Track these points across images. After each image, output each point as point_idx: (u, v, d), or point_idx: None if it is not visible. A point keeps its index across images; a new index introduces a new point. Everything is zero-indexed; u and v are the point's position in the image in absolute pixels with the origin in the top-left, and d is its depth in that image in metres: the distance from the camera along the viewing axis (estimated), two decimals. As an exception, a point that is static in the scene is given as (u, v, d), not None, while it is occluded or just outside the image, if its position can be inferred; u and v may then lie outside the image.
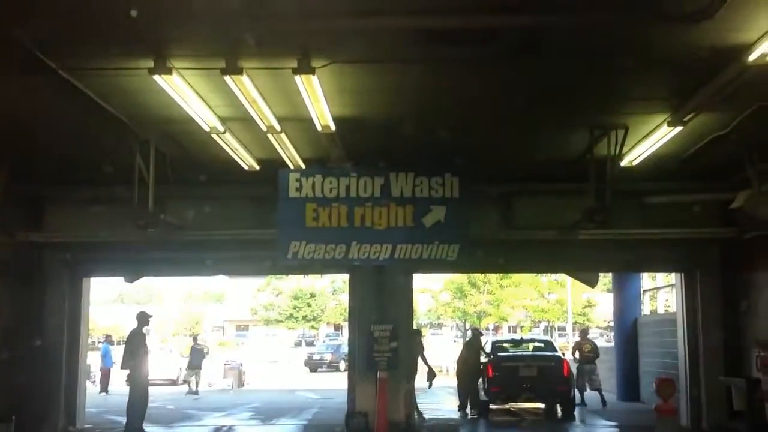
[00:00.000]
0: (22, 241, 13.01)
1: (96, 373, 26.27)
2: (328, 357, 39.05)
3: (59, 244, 13.90)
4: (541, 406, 17.46)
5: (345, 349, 25.03)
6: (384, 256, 11.87)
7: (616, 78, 8.69)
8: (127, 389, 14.28)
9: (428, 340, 37.29)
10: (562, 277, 39.93)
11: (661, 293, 21.04)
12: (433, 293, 45.78)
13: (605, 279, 29.31)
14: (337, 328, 60.62)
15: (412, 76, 8.50)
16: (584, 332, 21.69)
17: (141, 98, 8.96)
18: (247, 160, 11.43)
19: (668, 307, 19.79)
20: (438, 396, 20.00)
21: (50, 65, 7.72)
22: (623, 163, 11.26)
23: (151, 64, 7.67)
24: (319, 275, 29.91)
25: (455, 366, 18.07)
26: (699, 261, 14.41)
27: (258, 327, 62.51)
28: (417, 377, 15.93)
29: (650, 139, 10.56)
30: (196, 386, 24.86)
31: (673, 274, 16.16)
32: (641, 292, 21.13)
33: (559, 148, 11.36)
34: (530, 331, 50.80)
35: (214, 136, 10.00)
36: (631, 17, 6.83)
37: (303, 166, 11.78)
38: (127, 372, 14.37)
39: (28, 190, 13.20)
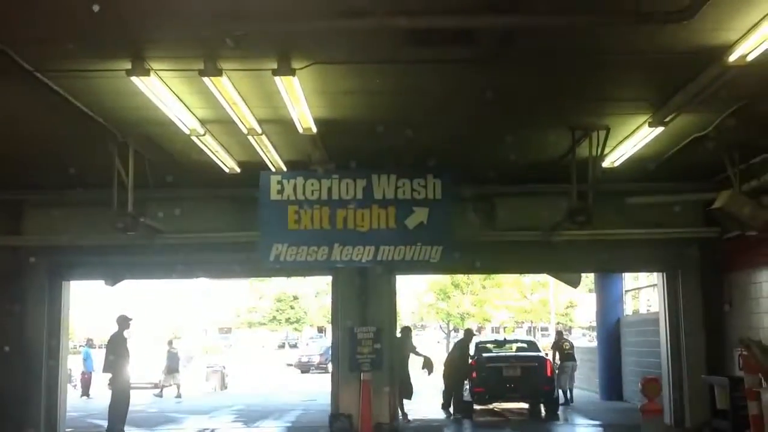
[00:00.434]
0: (0, 245, 12.84)
1: (77, 377, 26.08)
2: (316, 359, 39.12)
3: (39, 248, 13.76)
4: (525, 406, 17.48)
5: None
6: (367, 258, 11.83)
7: (596, 79, 8.70)
8: (108, 393, 14.17)
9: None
10: (544, 277, 40.03)
11: (644, 293, 21.12)
12: (416, 295, 45.77)
13: (587, 279, 29.39)
14: (321, 330, 60.50)
15: (392, 77, 8.47)
16: (560, 333, 22.06)
17: (119, 100, 8.86)
18: (228, 163, 11.36)
19: (650, 306, 19.87)
20: (422, 396, 19.95)
21: (25, 67, 7.62)
22: (605, 164, 11.28)
23: (128, 65, 7.59)
24: (303, 278, 29.80)
25: (442, 367, 18.02)
26: (680, 261, 14.46)
27: (241, 330, 62.25)
28: (414, 373, 16.00)
29: (631, 140, 10.59)
30: (178, 389, 24.74)
31: (655, 274, 16.21)
32: (623, 292, 21.22)
33: (541, 149, 11.37)
34: (513, 331, 50.90)
35: (194, 138, 9.92)
36: (611, 18, 6.82)
37: (284, 169, 11.72)
38: (108, 375, 14.26)
39: (6, 195, 13.07)
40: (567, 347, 19.88)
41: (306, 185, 11.63)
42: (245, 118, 9.08)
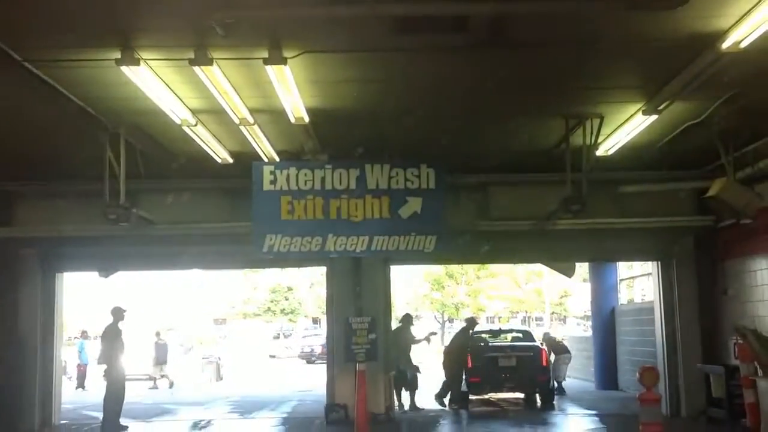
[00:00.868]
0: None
1: (72, 369, 26.05)
2: (318, 349, 39.18)
3: (31, 239, 13.70)
4: (521, 395, 17.49)
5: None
6: (361, 248, 11.78)
7: (589, 67, 8.64)
8: (103, 385, 14.15)
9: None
10: (538, 267, 40.07)
11: (638, 282, 21.14)
12: (411, 285, 45.80)
13: (581, 269, 29.41)
14: (315, 321, 60.49)
15: (384, 65, 8.41)
16: (546, 334, 22.26)
17: (109, 90, 8.79)
18: (220, 153, 11.30)
19: (644, 296, 19.89)
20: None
21: (14, 57, 7.55)
22: (599, 153, 11.25)
23: (118, 55, 7.52)
24: (297, 268, 29.82)
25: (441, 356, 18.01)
26: (675, 250, 14.47)
27: (236, 320, 62.20)
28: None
29: (625, 128, 10.56)
30: (169, 380, 24.80)
31: (650, 263, 16.21)
32: (618, 281, 21.23)
33: (535, 137, 11.33)
34: (508, 321, 50.98)
35: (186, 128, 9.86)
36: (603, 5, 6.77)
37: (277, 159, 11.66)
38: (103, 367, 14.23)
39: (-2, 186, 13.02)
40: (559, 339, 19.94)
41: (299, 175, 11.55)
42: (237, 107, 9.02)
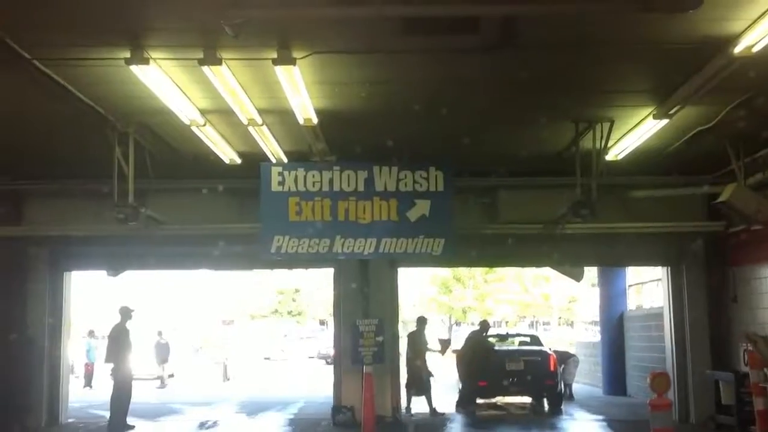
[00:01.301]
0: (1, 235, 12.80)
1: (80, 368, 26.12)
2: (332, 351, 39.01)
3: (40, 238, 13.75)
4: (528, 400, 17.41)
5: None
6: (368, 251, 11.76)
7: (600, 70, 8.60)
8: (110, 384, 14.17)
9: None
10: (546, 271, 39.89)
11: (647, 288, 21.03)
12: (418, 288, 45.65)
13: (590, 274, 29.29)
14: (322, 323, 60.44)
15: (393, 67, 8.38)
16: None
17: (118, 89, 8.79)
18: (228, 154, 11.29)
19: (653, 301, 19.79)
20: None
21: (24, 55, 7.55)
22: (608, 157, 11.20)
23: (127, 54, 7.52)
24: (305, 270, 29.79)
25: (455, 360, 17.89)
26: (685, 255, 14.39)
27: (244, 321, 62.21)
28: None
29: (635, 133, 10.51)
30: (166, 378, 24.87)
31: (659, 269, 16.12)
32: (627, 286, 21.12)
33: (544, 141, 11.27)
34: (515, 326, 50.77)
35: (194, 128, 9.85)
36: (616, 7, 6.72)
37: (285, 160, 11.64)
38: (110, 366, 14.24)
39: (7, 185, 13.03)
40: (562, 351, 19.89)
41: (307, 177, 11.55)
42: (245, 108, 9.01)
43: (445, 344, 17.21)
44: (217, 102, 8.90)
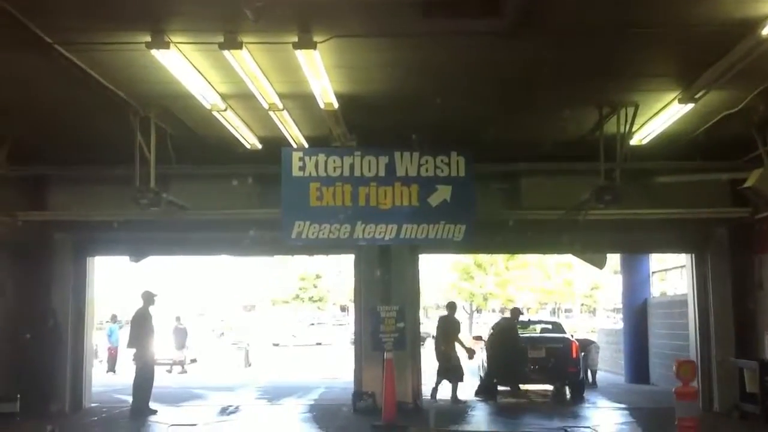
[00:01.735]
0: (24, 220, 12.90)
1: (103, 353, 26.37)
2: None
3: (64, 223, 13.83)
4: (549, 387, 17.34)
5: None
6: (389, 236, 11.71)
7: (625, 53, 8.47)
8: (133, 369, 14.28)
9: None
10: (568, 258, 39.69)
11: (671, 274, 20.85)
12: (439, 274, 45.60)
13: (612, 261, 29.11)
14: (343, 309, 60.61)
15: (415, 51, 8.32)
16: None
17: (139, 74, 8.80)
18: (249, 139, 11.28)
19: (676, 288, 19.62)
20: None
21: (45, 39, 7.57)
22: (632, 142, 11.06)
23: (148, 38, 7.53)
24: (326, 256, 29.77)
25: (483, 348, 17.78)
26: (710, 241, 14.23)
27: (263, 307, 62.56)
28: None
29: (660, 117, 10.37)
30: (187, 363, 25.06)
31: (683, 255, 15.95)
32: (650, 273, 20.95)
33: (567, 126, 11.14)
34: (537, 313, 50.65)
35: (215, 113, 9.85)
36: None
37: (306, 145, 11.62)
38: (132, 351, 14.34)
39: (31, 170, 13.12)
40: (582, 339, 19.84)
41: (328, 162, 11.51)
42: (266, 92, 8.98)
43: (472, 352, 17.02)
44: (238, 86, 8.88)
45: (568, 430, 12.53)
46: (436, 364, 16.06)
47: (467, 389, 16.63)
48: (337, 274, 56.02)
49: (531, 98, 9.98)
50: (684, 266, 16.00)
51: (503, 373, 16.38)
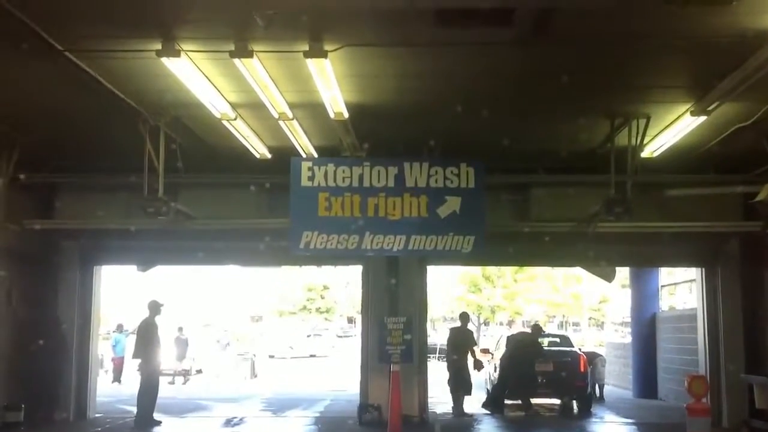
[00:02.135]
0: (31, 229, 12.87)
1: (109, 363, 26.31)
2: None
3: (72, 232, 13.81)
4: (557, 401, 17.20)
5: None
6: (398, 247, 11.65)
7: (637, 64, 8.43)
8: (138, 379, 14.20)
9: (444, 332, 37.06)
10: (577, 271, 39.55)
11: (680, 289, 20.72)
12: (447, 286, 45.49)
13: (621, 274, 28.97)
14: (351, 320, 60.48)
15: (425, 60, 8.29)
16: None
17: (149, 82, 8.79)
18: (258, 148, 11.26)
19: (685, 303, 19.49)
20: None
21: (56, 47, 7.55)
22: (644, 154, 10.99)
23: (158, 46, 7.50)
24: (334, 267, 29.68)
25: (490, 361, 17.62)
26: (720, 255, 14.12)
27: (271, 318, 62.47)
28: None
29: (672, 129, 10.31)
30: (191, 373, 24.93)
31: (693, 269, 15.83)
32: (659, 287, 20.82)
33: (579, 137, 11.08)
34: (545, 326, 50.43)
35: (225, 122, 9.83)
36: (657, -1, 6.55)
37: (315, 155, 11.58)
38: (138, 361, 14.27)
39: (39, 177, 13.10)
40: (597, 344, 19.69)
41: (337, 172, 11.47)
42: (276, 102, 8.95)
43: (480, 364, 16.86)
44: (248, 96, 8.86)
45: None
46: (441, 378, 15.95)
47: (473, 402, 16.50)
48: (345, 285, 55.95)
49: (542, 109, 9.94)
50: (693, 280, 15.88)
51: (515, 387, 16.21)
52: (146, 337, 14.07)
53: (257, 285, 58.61)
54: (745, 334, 13.78)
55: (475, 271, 41.91)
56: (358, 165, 11.48)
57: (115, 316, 31.42)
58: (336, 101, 8.91)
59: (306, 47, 7.50)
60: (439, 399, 16.91)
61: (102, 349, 21.87)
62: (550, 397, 17.04)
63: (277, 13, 6.70)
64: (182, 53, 7.62)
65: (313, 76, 8.08)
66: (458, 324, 16.67)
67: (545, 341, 19.20)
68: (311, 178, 11.47)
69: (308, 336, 49.00)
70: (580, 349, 17.95)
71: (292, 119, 9.71)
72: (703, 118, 9.55)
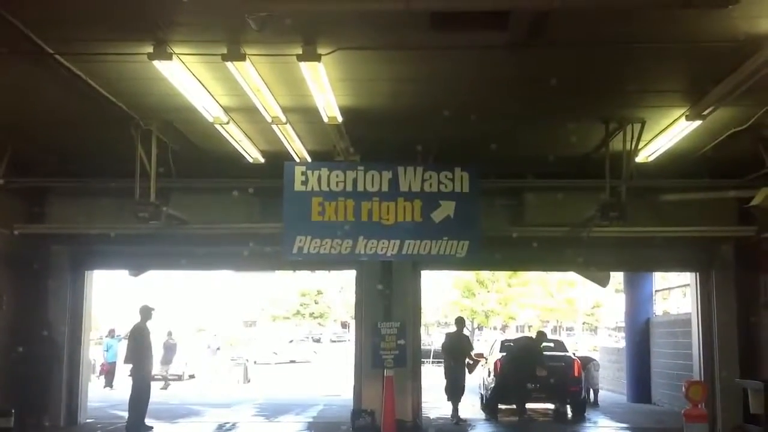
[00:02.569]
0: (21, 233, 12.77)
1: (101, 368, 26.20)
2: None
3: (62, 236, 13.70)
4: (551, 406, 17.15)
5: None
6: (391, 252, 11.57)
7: (633, 69, 8.39)
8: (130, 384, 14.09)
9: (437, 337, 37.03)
10: (571, 276, 39.58)
11: (674, 293, 20.72)
12: (440, 291, 45.48)
13: (614, 279, 28.98)
14: (344, 325, 60.39)
15: (420, 65, 8.23)
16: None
17: (141, 85, 8.72)
18: (251, 153, 11.18)
19: (679, 307, 19.47)
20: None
21: (46, 49, 7.48)
22: (638, 159, 10.96)
23: (150, 49, 7.43)
24: (327, 272, 29.59)
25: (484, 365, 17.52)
26: (715, 260, 14.09)
27: (264, 323, 62.32)
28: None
29: (667, 134, 10.28)
30: (165, 381, 24.87)
31: (687, 274, 15.81)
32: (653, 292, 20.80)
33: (573, 142, 11.01)
34: (535, 329, 50.45)
35: (218, 126, 9.75)
36: (654, 2, 6.51)
37: (309, 159, 11.51)
38: (129, 366, 14.16)
39: (30, 182, 13.01)
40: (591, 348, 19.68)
41: (330, 176, 11.38)
42: (269, 105, 8.88)
43: (473, 366, 16.77)
44: (241, 99, 8.79)
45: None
46: (435, 383, 15.87)
47: (467, 406, 16.44)
48: (339, 290, 55.87)
49: (537, 113, 9.89)
50: (687, 285, 15.86)
51: (512, 392, 16.11)
52: (138, 342, 13.97)
53: (251, 290, 58.48)
54: (739, 338, 13.75)
55: (469, 276, 41.93)
56: (352, 169, 11.40)
57: (108, 321, 31.27)
58: (330, 105, 8.84)
59: (299, 50, 7.43)
60: (433, 404, 16.86)
61: (94, 354, 21.78)
62: (545, 401, 16.98)
63: (270, 16, 6.62)
64: (174, 56, 7.54)
65: (306, 80, 8.01)
66: (454, 329, 16.58)
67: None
68: (304, 183, 11.39)
69: (290, 342, 48.87)
70: (574, 354, 17.89)
71: (286, 123, 9.63)
72: (698, 123, 9.52)
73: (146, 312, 14.23)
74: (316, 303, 58.24)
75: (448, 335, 16.70)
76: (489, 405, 16.53)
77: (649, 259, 14.92)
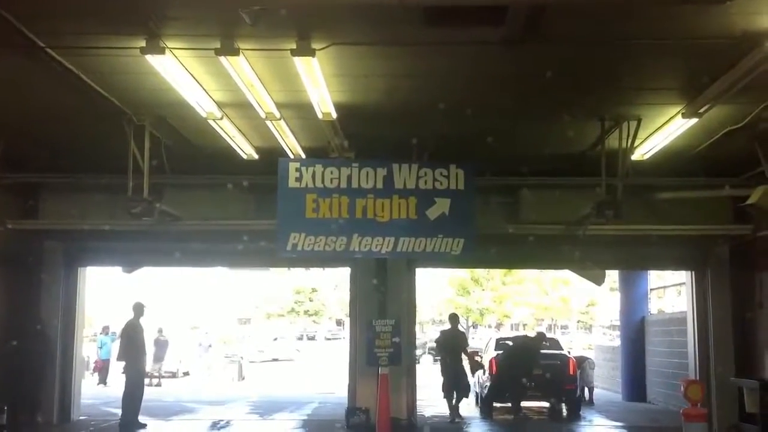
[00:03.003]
0: (14, 229, 12.68)
1: (94, 365, 26.09)
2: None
3: (55, 232, 13.63)
4: (546, 404, 17.12)
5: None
6: (386, 249, 11.50)
7: (629, 66, 8.36)
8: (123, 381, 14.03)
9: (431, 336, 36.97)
10: (566, 274, 39.58)
11: (670, 292, 20.70)
12: (435, 289, 45.48)
13: (609, 277, 28.96)
14: (339, 322, 60.35)
15: (415, 60, 8.17)
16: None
17: (134, 80, 8.63)
18: (245, 149, 11.11)
19: (674, 306, 19.46)
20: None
21: (38, 43, 7.40)
22: (634, 157, 10.91)
23: (143, 43, 7.33)
24: (322, 269, 29.52)
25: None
26: (710, 259, 14.07)
27: (259, 320, 62.27)
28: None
29: (663, 132, 10.23)
30: (159, 378, 24.76)
31: (683, 273, 15.79)
32: (648, 290, 20.78)
33: (569, 139, 10.95)
34: (533, 329, 50.50)
35: (212, 122, 9.68)
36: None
37: (303, 156, 11.45)
38: (122, 363, 14.10)
39: (23, 177, 12.93)
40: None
41: (325, 173, 11.31)
42: (263, 101, 8.81)
43: (477, 366, 16.67)
44: (235, 95, 8.72)
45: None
46: (430, 380, 15.81)
47: (460, 404, 16.38)
48: (333, 287, 55.83)
49: (534, 110, 9.84)
50: (683, 284, 15.84)
51: (507, 390, 16.06)
52: (131, 339, 13.92)
53: (246, 287, 58.43)
54: (734, 337, 13.74)
55: (463, 274, 41.90)
56: (347, 166, 11.33)
57: (101, 318, 31.16)
58: (324, 101, 8.78)
59: (293, 45, 7.36)
60: (428, 402, 16.82)
61: (88, 351, 21.69)
62: (540, 400, 16.95)
63: (264, 10, 6.55)
64: (167, 51, 7.45)
65: (300, 76, 7.94)
66: (447, 326, 16.53)
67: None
68: (299, 179, 11.32)
69: (275, 339, 48.86)
70: (569, 352, 17.86)
71: (280, 119, 9.56)
72: (694, 121, 9.47)
73: (139, 309, 14.19)
74: (310, 300, 58.22)
75: (442, 332, 16.66)
76: (484, 403, 16.49)
77: (645, 257, 14.90)
